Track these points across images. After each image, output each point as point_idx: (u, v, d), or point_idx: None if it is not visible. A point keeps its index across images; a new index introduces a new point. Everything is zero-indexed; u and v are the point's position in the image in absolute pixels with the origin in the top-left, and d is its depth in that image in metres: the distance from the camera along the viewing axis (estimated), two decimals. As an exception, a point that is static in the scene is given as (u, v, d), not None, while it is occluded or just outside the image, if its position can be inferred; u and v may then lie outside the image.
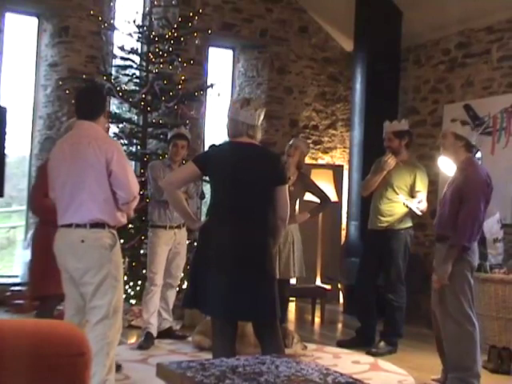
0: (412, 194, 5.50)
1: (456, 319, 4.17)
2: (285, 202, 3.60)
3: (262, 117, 3.65)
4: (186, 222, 4.96)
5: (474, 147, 4.35)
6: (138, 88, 7.01)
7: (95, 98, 3.86)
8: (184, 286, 6.22)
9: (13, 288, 6.91)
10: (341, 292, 8.17)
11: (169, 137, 5.75)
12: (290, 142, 5.83)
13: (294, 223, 5.66)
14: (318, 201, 5.95)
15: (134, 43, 7.14)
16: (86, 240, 3.55)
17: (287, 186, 3.67)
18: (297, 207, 6.04)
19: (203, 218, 3.96)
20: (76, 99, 3.90)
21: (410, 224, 5.56)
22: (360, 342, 5.63)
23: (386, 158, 5.47)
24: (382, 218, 5.51)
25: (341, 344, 5.71)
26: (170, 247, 5.51)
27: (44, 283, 4.42)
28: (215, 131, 8.60)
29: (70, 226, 3.60)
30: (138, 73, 7.19)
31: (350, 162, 8.19)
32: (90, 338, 3.47)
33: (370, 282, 5.60)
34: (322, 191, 5.85)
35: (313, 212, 5.96)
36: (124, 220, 3.76)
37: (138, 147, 7.01)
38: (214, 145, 3.87)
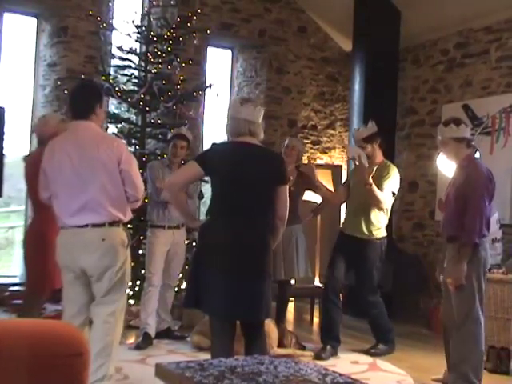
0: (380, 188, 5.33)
1: (463, 319, 4.16)
2: (284, 202, 3.61)
3: (261, 115, 3.65)
4: (186, 222, 4.94)
5: (472, 141, 4.33)
6: (136, 88, 7.01)
7: (86, 95, 3.80)
8: (183, 286, 6.22)
9: (11, 288, 6.91)
10: (339, 292, 8.16)
11: (169, 137, 5.74)
12: (286, 143, 5.77)
13: (299, 223, 5.65)
14: (317, 200, 5.95)
15: (132, 43, 7.13)
16: (107, 238, 3.61)
17: (287, 186, 3.67)
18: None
19: (201, 218, 3.97)
20: (69, 99, 3.89)
21: (385, 234, 5.47)
22: (334, 348, 5.44)
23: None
24: (364, 227, 5.36)
25: (319, 357, 5.29)
26: (169, 247, 5.51)
27: (43, 282, 4.44)
28: (214, 131, 8.60)
29: (84, 226, 3.60)
30: (136, 73, 7.18)
31: (348, 161, 8.19)
32: (101, 330, 3.62)
33: (340, 281, 5.49)
34: (326, 187, 5.82)
35: (316, 211, 5.95)
36: (130, 216, 3.84)
37: (137, 147, 7.00)
38: (215, 143, 3.86)
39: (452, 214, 4.24)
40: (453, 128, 4.27)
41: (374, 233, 5.38)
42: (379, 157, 5.47)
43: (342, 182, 5.72)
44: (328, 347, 5.38)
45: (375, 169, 5.25)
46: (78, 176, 3.61)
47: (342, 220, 5.58)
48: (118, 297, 3.69)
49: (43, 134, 4.47)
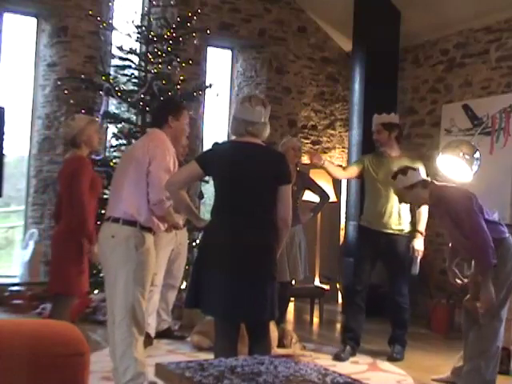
0: None
1: (490, 319, 4.10)
2: (288, 203, 3.51)
3: (263, 112, 3.52)
4: (192, 221, 4.84)
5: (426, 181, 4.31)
6: (136, 88, 7.00)
7: (159, 108, 4.17)
8: (183, 286, 6.21)
9: (11, 288, 6.91)
10: (339, 292, 8.18)
11: None
12: (289, 145, 5.64)
13: (299, 224, 5.63)
14: (316, 199, 5.96)
15: (132, 43, 7.13)
16: (116, 236, 3.67)
17: (290, 186, 3.60)
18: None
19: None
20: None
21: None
22: (353, 349, 5.41)
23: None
24: (394, 221, 5.34)
25: (338, 358, 5.29)
26: (172, 247, 5.50)
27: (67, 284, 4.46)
28: (214, 131, 8.60)
29: (107, 219, 3.74)
30: (136, 73, 7.18)
31: (348, 162, 8.18)
32: (117, 335, 3.67)
33: (366, 282, 5.45)
34: (321, 188, 5.85)
35: (315, 210, 5.95)
36: (162, 226, 3.82)
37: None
38: (216, 143, 3.84)
39: (463, 241, 4.13)
40: (401, 178, 4.28)
41: (404, 227, 5.37)
42: (396, 150, 5.47)
43: (354, 160, 5.61)
44: (348, 348, 5.35)
45: (395, 163, 5.28)
46: (118, 171, 3.90)
47: (365, 215, 5.48)
48: (126, 300, 3.64)
49: (70, 134, 4.51)
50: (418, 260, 5.32)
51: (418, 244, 5.31)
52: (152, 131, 3.96)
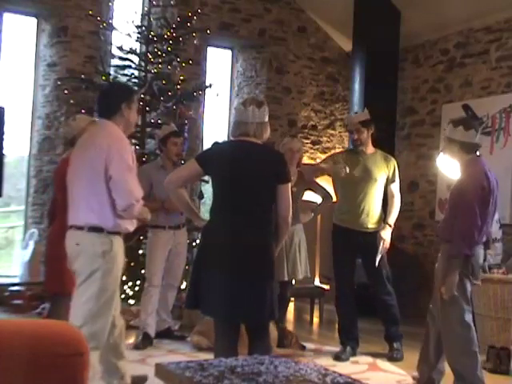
0: (387, 184, 5.38)
1: (452, 326, 4.10)
2: (287, 201, 3.52)
3: (256, 112, 3.53)
4: (193, 220, 4.77)
5: (474, 146, 4.14)
6: (136, 88, 7.00)
7: (111, 95, 3.73)
8: (183, 286, 6.21)
9: (11, 288, 6.91)
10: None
11: (160, 135, 5.62)
12: (290, 146, 5.54)
13: (299, 223, 5.63)
14: (316, 199, 5.95)
15: (132, 43, 7.14)
16: (81, 244, 3.47)
17: (290, 184, 3.62)
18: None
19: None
20: (97, 98, 3.86)
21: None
22: (354, 350, 5.40)
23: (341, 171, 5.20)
24: (371, 220, 5.32)
25: (339, 358, 5.27)
26: (170, 247, 5.50)
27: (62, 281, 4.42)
28: (214, 131, 8.60)
29: (70, 227, 3.54)
30: (136, 73, 7.19)
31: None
32: None
33: (351, 283, 5.44)
34: (324, 188, 5.83)
35: (315, 211, 5.95)
36: (131, 227, 3.59)
37: (137, 147, 7.00)
38: (217, 142, 3.84)
39: (447, 219, 4.17)
40: (460, 130, 4.09)
41: (379, 224, 5.36)
42: (371, 146, 5.42)
43: (327, 161, 5.63)
44: (348, 348, 5.34)
45: (370, 159, 5.30)
46: (74, 175, 3.58)
47: (340, 214, 5.41)
48: (87, 308, 3.44)
49: (70, 134, 4.49)
50: (382, 249, 5.26)
51: (385, 234, 5.29)
52: (104, 125, 3.58)
